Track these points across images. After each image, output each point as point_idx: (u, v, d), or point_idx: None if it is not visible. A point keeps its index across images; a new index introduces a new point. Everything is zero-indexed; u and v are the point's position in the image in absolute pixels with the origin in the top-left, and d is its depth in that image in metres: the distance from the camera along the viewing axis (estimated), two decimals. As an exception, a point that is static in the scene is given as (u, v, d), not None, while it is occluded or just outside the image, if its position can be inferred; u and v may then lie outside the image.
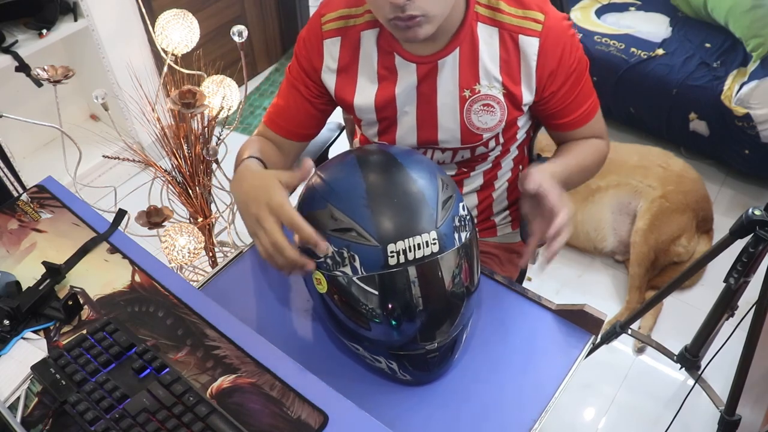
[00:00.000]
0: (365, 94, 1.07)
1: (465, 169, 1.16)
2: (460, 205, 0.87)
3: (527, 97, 1.03)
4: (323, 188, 0.87)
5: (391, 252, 0.78)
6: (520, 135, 1.15)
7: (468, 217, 0.88)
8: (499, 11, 0.99)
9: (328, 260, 0.82)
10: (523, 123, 1.12)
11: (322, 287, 0.85)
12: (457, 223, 0.84)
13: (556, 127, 1.12)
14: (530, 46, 0.99)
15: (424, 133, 1.08)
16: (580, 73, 1.04)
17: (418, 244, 0.79)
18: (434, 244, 0.80)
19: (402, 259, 0.79)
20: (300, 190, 0.93)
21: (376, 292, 0.80)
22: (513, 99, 1.03)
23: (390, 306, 0.81)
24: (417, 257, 0.79)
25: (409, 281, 0.80)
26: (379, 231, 0.79)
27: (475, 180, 1.19)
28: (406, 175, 0.84)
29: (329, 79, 1.08)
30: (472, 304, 0.88)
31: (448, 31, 0.99)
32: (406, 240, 0.79)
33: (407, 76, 1.03)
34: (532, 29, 0.98)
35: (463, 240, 0.84)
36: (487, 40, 1.00)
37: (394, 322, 0.82)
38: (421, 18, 0.89)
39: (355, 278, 0.81)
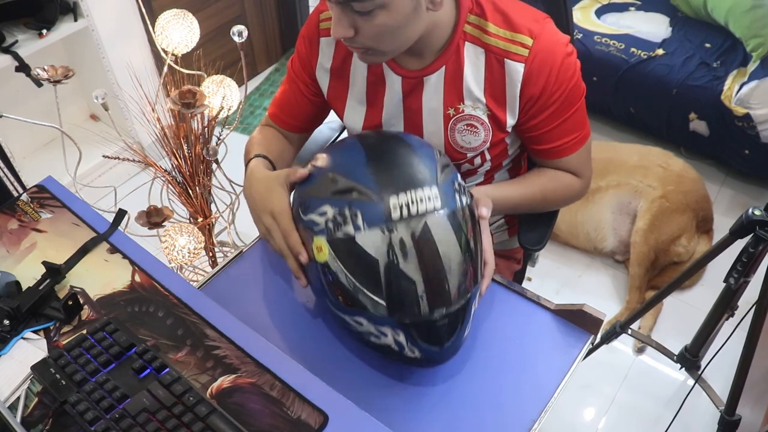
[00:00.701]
0: (354, 116, 1.09)
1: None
2: (458, 176, 0.88)
3: (510, 120, 1.01)
4: (325, 163, 0.88)
5: (394, 205, 0.78)
6: (512, 151, 1.14)
7: (466, 188, 0.89)
8: (487, 33, 0.96)
9: (329, 224, 0.81)
10: (512, 141, 1.11)
11: (323, 254, 0.82)
12: (457, 187, 0.84)
13: (532, 153, 1.11)
14: (515, 71, 0.96)
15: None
16: (567, 102, 1.00)
17: (420, 198, 0.78)
18: (436, 199, 0.79)
19: (405, 213, 0.78)
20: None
21: (383, 250, 0.78)
22: (497, 121, 1.01)
23: (392, 263, 0.78)
24: (420, 211, 0.78)
25: (414, 239, 0.78)
26: (380, 185, 0.79)
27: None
28: (405, 144, 0.86)
29: (323, 79, 1.09)
30: (477, 273, 0.86)
31: (434, 49, 0.99)
32: (408, 192, 0.78)
33: (393, 87, 1.03)
34: (518, 54, 0.95)
35: (464, 202, 0.84)
36: (473, 61, 0.98)
37: (397, 284, 0.79)
38: (368, 50, 0.92)
39: (357, 236, 0.79)
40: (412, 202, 0.78)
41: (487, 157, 1.09)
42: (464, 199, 0.84)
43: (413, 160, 0.83)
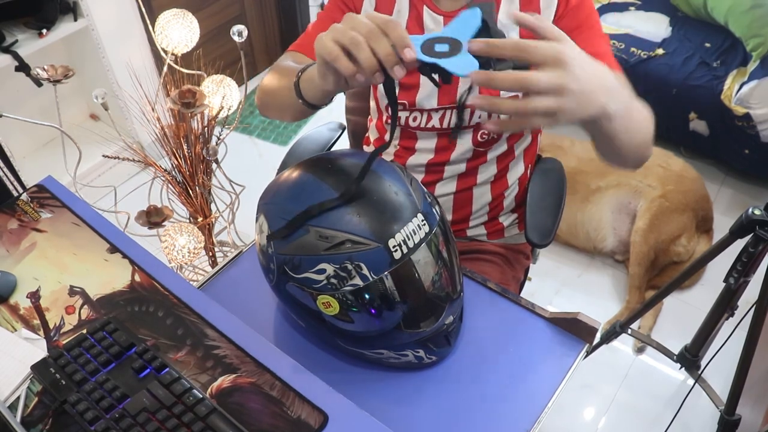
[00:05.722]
0: None
1: (482, 149, 1.16)
2: (419, 183, 0.89)
3: None
4: (295, 214, 0.82)
5: (394, 247, 0.79)
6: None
7: (431, 194, 0.90)
8: None
9: (333, 280, 0.80)
10: None
11: (333, 309, 0.83)
12: (429, 199, 0.86)
13: None
14: None
15: (444, 94, 1.09)
16: (592, 20, 1.03)
17: (413, 230, 0.80)
18: (424, 225, 0.82)
19: (405, 249, 0.79)
20: (265, 231, 0.86)
21: (394, 289, 0.81)
22: None
23: (408, 297, 0.82)
24: (416, 243, 0.80)
25: (418, 267, 0.81)
26: (375, 232, 0.79)
27: (490, 167, 1.19)
28: (369, 171, 0.83)
29: None
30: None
31: None
32: (402, 231, 0.79)
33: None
34: None
35: (439, 212, 0.86)
36: None
37: (417, 311, 0.84)
38: None
39: (367, 285, 0.80)
40: (408, 238, 0.80)
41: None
42: (437, 209, 0.86)
43: (389, 190, 0.82)
